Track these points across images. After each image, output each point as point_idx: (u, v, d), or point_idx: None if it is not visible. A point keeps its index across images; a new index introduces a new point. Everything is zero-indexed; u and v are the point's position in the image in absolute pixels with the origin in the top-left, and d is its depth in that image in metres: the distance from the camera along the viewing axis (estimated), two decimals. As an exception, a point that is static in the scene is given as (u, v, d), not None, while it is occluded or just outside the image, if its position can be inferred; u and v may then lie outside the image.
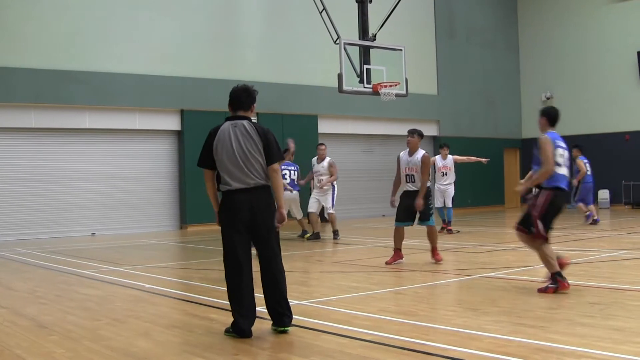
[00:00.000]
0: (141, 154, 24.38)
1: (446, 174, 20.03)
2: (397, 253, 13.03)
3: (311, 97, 27.10)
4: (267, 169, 7.39)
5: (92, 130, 23.42)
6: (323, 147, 19.35)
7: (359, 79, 22.26)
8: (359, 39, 22.70)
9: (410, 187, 12.95)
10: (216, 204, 7.69)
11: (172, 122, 24.53)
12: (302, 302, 9.08)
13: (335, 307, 8.72)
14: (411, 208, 12.77)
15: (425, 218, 12.94)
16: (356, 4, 22.94)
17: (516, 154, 34.59)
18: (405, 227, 13.08)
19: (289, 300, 7.50)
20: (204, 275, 12.28)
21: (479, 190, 31.38)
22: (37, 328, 8.00)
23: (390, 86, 22.22)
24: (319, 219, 19.60)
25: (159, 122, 24.38)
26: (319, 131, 27.58)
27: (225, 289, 7.41)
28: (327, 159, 18.98)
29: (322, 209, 19.52)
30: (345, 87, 21.67)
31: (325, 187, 18.70)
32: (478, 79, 33.21)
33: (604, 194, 31.16)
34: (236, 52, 25.64)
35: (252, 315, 7.27)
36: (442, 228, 19.62)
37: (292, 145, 18.71)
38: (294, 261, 14.16)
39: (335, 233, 18.81)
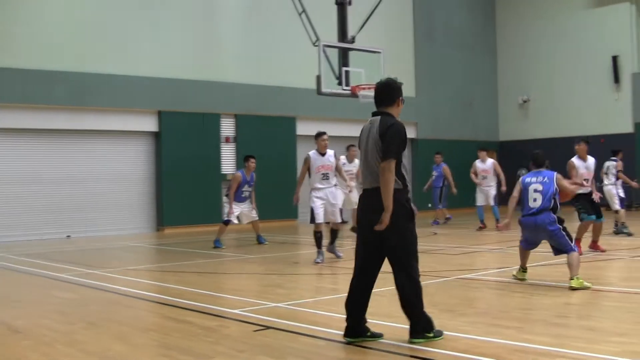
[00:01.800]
0: (118, 155, 24.14)
1: (486, 177, 21.02)
2: None
3: (290, 98, 27.03)
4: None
5: (68, 131, 23.17)
6: (354, 148, 19.15)
7: (337, 81, 22.25)
8: (338, 41, 22.69)
9: None
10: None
11: (150, 124, 24.35)
12: (279, 304, 9.05)
13: (313, 309, 8.69)
14: None
15: None
16: (335, 6, 22.93)
17: (493, 156, 34.69)
18: None
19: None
20: (181, 278, 12.22)
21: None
22: (10, 333, 7.92)
23: (369, 88, 22.20)
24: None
25: (136, 124, 24.18)
26: (297, 133, 27.54)
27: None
28: (357, 160, 18.93)
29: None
30: (323, 89, 21.66)
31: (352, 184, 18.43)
32: (456, 82, 33.27)
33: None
34: (214, 54, 25.54)
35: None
36: (480, 228, 20.63)
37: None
38: (270, 263, 14.14)
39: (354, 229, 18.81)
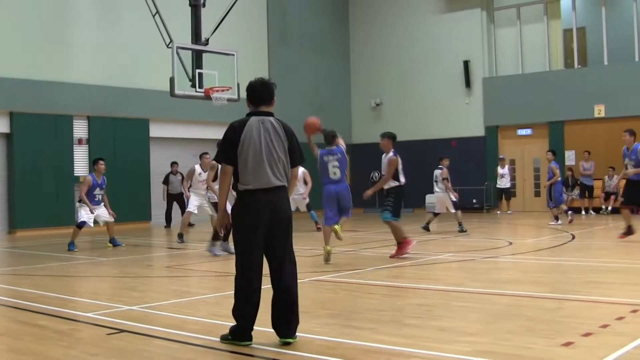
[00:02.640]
0: (-33, 156, 23.43)
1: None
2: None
3: (142, 100, 26.70)
4: (290, 171, 7.09)
5: None
6: (207, 156, 18.64)
7: (191, 83, 22.24)
8: (192, 43, 22.68)
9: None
10: (225, 202, 7.07)
11: (1, 125, 23.60)
12: (133, 307, 9.00)
13: (166, 312, 8.67)
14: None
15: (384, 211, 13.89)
16: (189, 8, 22.89)
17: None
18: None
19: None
20: (33, 281, 11.96)
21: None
22: None
23: (222, 91, 22.30)
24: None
25: (-15, 125, 23.45)
26: (151, 135, 27.27)
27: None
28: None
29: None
30: (177, 91, 21.62)
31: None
32: (309, 85, 33.53)
33: (431, 199, 31.95)
34: (67, 54, 24.97)
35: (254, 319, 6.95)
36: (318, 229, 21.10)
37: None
38: (124, 266, 14.01)
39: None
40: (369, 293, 9.96)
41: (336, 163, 13.17)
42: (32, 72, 23.97)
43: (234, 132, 7.02)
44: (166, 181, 26.02)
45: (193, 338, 7.12)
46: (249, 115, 7.18)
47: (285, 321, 6.86)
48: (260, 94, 7.25)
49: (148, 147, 27.18)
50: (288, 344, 6.75)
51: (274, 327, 6.90)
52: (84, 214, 17.46)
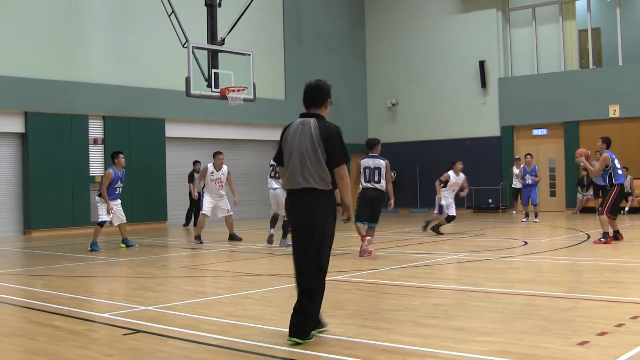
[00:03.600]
0: (-18, 157, 23.54)
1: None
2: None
3: (158, 100, 26.76)
4: (333, 172, 7.02)
5: None
6: (222, 156, 19.31)
7: (206, 83, 22.27)
8: (208, 43, 22.70)
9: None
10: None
11: (16, 125, 23.67)
12: (148, 308, 9.03)
13: (182, 312, 8.69)
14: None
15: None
16: (205, 8, 22.91)
17: (362, 159, 35.10)
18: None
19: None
20: (48, 282, 12.01)
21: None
22: None
23: (238, 90, 22.31)
24: None
25: (1, 125, 23.41)
26: (166, 135, 27.31)
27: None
28: (225, 167, 19.16)
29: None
30: (193, 91, 21.64)
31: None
32: (325, 85, 33.46)
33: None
34: (82, 54, 25.01)
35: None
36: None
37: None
38: (140, 266, 14.04)
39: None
40: (385, 293, 9.96)
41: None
42: (47, 72, 24.04)
43: (282, 134, 7.29)
44: (191, 179, 26.05)
45: (208, 338, 7.14)
46: (300, 116, 7.33)
47: (293, 321, 6.90)
48: (311, 96, 7.33)
49: (164, 147, 27.22)
50: (297, 343, 6.77)
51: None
52: (104, 213, 17.53)
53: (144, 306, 9.12)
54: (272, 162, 17.67)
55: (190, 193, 25.15)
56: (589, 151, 17.01)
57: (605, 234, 16.03)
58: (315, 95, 7.29)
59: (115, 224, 18.18)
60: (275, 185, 17.60)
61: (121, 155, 18.08)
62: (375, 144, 14.77)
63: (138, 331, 7.61)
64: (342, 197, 7.12)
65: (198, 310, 8.77)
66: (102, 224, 17.62)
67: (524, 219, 23.95)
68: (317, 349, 6.60)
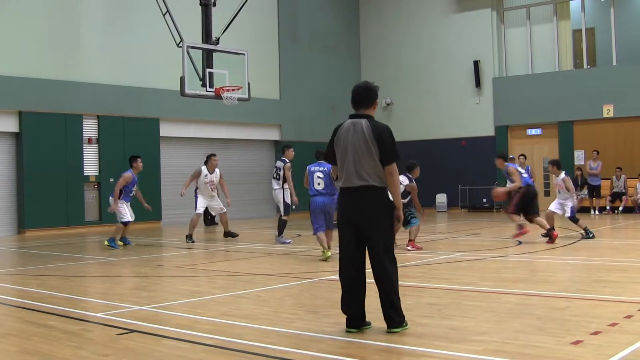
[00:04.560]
0: (-25, 156, 23.50)
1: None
2: None
3: (153, 100, 26.76)
4: (383, 170, 7.28)
5: None
6: (216, 157, 19.46)
7: (201, 82, 22.26)
8: (202, 42, 22.70)
9: None
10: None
11: (10, 124, 23.62)
12: (143, 307, 9.03)
13: (177, 312, 8.70)
14: None
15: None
16: (200, 8, 22.91)
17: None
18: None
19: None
20: (43, 282, 11.99)
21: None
22: None
23: (233, 90, 22.31)
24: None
25: (-6, 124, 23.48)
26: (161, 134, 27.30)
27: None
28: (217, 170, 19.37)
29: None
30: (187, 91, 21.64)
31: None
32: (320, 84, 33.54)
33: (441, 198, 32.18)
34: (77, 53, 24.99)
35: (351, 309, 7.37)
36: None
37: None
38: (134, 266, 14.04)
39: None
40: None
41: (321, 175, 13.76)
42: (42, 71, 24.02)
43: (333, 134, 7.57)
44: None
45: (203, 338, 7.15)
46: (350, 117, 7.56)
47: (385, 313, 7.27)
48: (360, 97, 7.61)
49: (158, 146, 27.19)
50: (393, 332, 7.13)
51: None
52: (127, 213, 17.97)
53: (138, 306, 9.12)
54: (276, 164, 18.41)
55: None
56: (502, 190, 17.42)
57: (520, 226, 16.93)
58: (365, 97, 7.58)
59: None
60: (276, 186, 18.15)
61: (139, 160, 18.37)
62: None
63: (133, 331, 7.61)
64: (392, 195, 7.35)
65: (193, 310, 8.78)
66: (126, 223, 18.00)
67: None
68: (311, 348, 6.60)
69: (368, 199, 7.23)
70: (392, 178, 7.28)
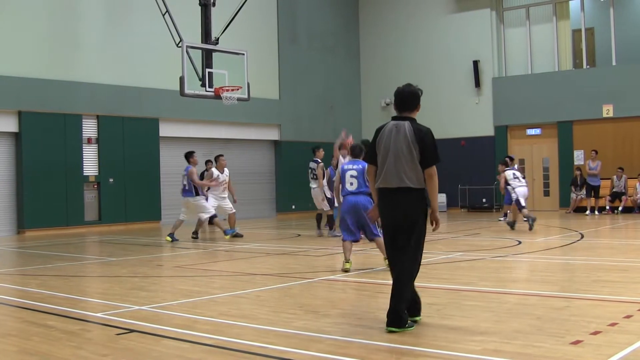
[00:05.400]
0: (-25, 156, 23.48)
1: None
2: None
3: (152, 100, 26.75)
4: (423, 172, 7.46)
5: None
6: (224, 157, 20.66)
7: (201, 82, 22.25)
8: (202, 42, 22.69)
9: None
10: (376, 199, 7.70)
11: (9, 124, 23.59)
12: (143, 307, 9.03)
13: (176, 312, 8.70)
14: None
15: None
16: (199, 8, 22.91)
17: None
18: None
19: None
20: (42, 282, 11.99)
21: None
22: None
23: (232, 90, 22.31)
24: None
25: (-6, 124, 23.47)
26: (161, 134, 27.28)
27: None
28: (226, 170, 20.34)
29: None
30: (187, 91, 21.62)
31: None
32: (319, 84, 33.54)
33: (440, 198, 32.16)
34: (76, 53, 24.97)
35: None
36: None
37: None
38: (133, 266, 14.03)
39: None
40: (379, 292, 9.96)
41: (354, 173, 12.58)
42: (41, 71, 24.00)
43: (375, 135, 7.67)
44: (202, 179, 26.13)
45: (203, 338, 7.15)
46: (392, 119, 7.66)
47: (391, 310, 7.28)
48: (405, 100, 7.67)
49: (158, 146, 27.18)
50: (391, 332, 7.15)
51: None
52: (210, 205, 19.32)
53: (138, 306, 9.12)
54: (310, 165, 20.04)
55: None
56: None
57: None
58: (409, 100, 7.65)
59: (183, 218, 19.67)
60: (314, 185, 19.83)
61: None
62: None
63: (132, 331, 7.61)
64: (430, 196, 7.51)
65: (192, 310, 8.78)
66: (214, 216, 19.27)
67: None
68: (310, 348, 6.60)
69: (405, 201, 7.40)
70: (432, 181, 7.44)
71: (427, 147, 7.43)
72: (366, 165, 12.06)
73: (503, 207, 24.58)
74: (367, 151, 7.80)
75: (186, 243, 18.70)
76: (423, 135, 7.44)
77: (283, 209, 31.13)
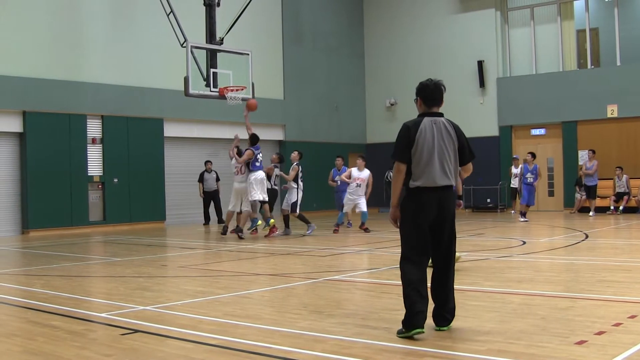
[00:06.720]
0: (-21, 156, 23.49)
1: (359, 185, 21.38)
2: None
3: (157, 100, 26.77)
4: (460, 169, 7.54)
5: None
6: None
7: (205, 82, 22.27)
8: (206, 42, 22.71)
9: None
10: (397, 200, 7.30)
11: (14, 124, 23.62)
12: (147, 307, 9.03)
13: (181, 312, 8.70)
14: None
15: None
16: (204, 8, 22.92)
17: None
18: None
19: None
20: (46, 282, 12.00)
21: (324, 194, 31.47)
22: None
23: (237, 90, 22.33)
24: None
25: (-1, 124, 23.51)
26: (165, 135, 27.30)
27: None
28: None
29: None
30: (191, 91, 21.65)
31: None
32: (323, 84, 33.55)
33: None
34: (81, 53, 24.99)
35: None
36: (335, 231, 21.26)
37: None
38: (138, 266, 14.04)
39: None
40: (383, 292, 9.96)
41: None
42: (46, 71, 24.03)
43: (409, 132, 7.34)
44: (201, 179, 26.27)
45: (207, 338, 7.14)
46: (421, 116, 7.57)
47: (437, 313, 7.30)
48: (434, 95, 7.71)
49: (162, 146, 27.19)
50: (441, 330, 7.17)
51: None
52: (259, 191, 20.09)
53: (142, 306, 9.12)
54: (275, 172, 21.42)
55: (202, 192, 26.53)
56: None
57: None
58: (439, 95, 7.73)
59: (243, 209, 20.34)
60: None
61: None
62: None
63: (136, 331, 7.61)
64: (457, 190, 7.47)
65: (197, 310, 8.78)
66: (263, 202, 20.12)
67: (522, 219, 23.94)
68: (314, 349, 6.60)
69: (447, 197, 7.29)
70: (467, 174, 7.67)
71: (466, 142, 7.51)
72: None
73: (520, 206, 25.15)
74: (397, 148, 7.31)
75: (189, 243, 18.67)
76: (461, 131, 7.51)
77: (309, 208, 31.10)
